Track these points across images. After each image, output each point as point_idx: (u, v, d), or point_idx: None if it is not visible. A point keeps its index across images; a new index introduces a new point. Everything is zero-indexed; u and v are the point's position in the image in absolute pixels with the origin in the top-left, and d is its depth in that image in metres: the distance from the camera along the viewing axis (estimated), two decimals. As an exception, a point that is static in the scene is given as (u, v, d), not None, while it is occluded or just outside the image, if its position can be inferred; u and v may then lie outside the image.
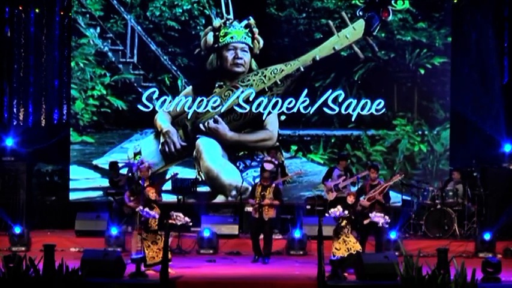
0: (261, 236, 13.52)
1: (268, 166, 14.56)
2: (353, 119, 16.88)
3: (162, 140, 16.86)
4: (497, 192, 15.54)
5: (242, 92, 16.77)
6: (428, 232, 15.04)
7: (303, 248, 14.38)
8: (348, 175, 15.02)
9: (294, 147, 16.98)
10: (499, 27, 17.07)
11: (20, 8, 17.17)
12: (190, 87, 16.91)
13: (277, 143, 16.82)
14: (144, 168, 13.38)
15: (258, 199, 13.37)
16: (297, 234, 14.37)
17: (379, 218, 12.25)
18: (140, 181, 13.35)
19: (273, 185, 13.54)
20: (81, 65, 16.89)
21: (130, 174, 14.98)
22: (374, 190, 13.27)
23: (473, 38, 17.04)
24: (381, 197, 13.22)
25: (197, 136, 16.89)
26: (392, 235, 13.94)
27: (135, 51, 16.99)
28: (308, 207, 15.81)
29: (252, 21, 16.79)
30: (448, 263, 10.99)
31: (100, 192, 16.62)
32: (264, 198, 13.34)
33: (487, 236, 14.12)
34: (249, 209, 15.04)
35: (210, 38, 16.81)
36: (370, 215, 12.41)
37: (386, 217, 12.32)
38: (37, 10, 17.22)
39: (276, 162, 15.15)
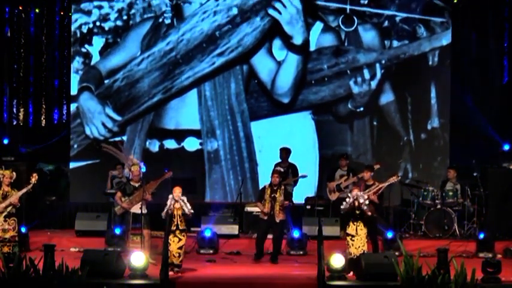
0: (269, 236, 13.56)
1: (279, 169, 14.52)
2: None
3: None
4: (497, 192, 15.53)
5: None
6: (428, 232, 15.03)
7: (303, 248, 14.36)
8: (351, 175, 15.01)
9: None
10: (499, 27, 17.07)
11: (20, 8, 17.19)
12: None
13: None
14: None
15: (267, 201, 13.36)
16: (296, 234, 14.36)
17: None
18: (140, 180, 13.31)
19: (282, 186, 13.50)
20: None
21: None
22: (369, 190, 13.29)
23: (473, 38, 17.05)
24: (375, 197, 13.25)
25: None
26: (392, 235, 13.96)
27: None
28: (308, 207, 15.80)
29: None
30: (448, 263, 10.98)
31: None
32: (275, 200, 13.33)
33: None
34: (249, 209, 15.01)
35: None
36: None
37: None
38: (37, 10, 17.24)
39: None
